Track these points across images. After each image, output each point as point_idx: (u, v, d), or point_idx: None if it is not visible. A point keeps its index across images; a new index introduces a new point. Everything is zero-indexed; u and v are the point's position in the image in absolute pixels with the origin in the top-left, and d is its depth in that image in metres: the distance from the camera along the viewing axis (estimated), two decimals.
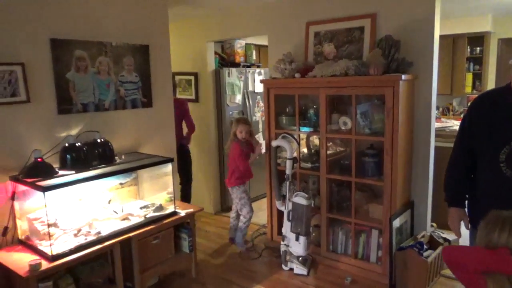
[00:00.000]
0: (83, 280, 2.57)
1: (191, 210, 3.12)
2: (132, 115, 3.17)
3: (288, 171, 3.23)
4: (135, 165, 2.84)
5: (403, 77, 2.77)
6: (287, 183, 3.25)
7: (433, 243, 3.05)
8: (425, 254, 2.86)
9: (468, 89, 4.84)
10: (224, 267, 3.39)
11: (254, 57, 5.03)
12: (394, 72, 2.88)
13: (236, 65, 4.67)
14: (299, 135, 3.40)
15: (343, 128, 3.17)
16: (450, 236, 3.20)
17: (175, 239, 3.08)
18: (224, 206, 4.72)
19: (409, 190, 3.15)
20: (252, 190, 4.96)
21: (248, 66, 4.82)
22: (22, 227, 2.54)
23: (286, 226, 3.27)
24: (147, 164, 2.88)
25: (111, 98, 3.00)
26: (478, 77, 4.88)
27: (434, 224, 3.30)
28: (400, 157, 2.89)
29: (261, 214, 4.55)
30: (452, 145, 2.05)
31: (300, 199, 3.15)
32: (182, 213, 3.04)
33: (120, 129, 3.09)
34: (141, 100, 3.21)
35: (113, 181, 2.99)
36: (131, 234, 2.68)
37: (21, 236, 2.54)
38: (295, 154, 3.30)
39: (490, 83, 4.98)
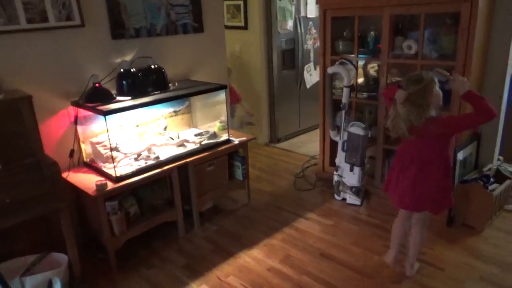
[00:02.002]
0: (145, 202, 2.70)
1: (244, 138, 3.10)
2: (183, 40, 3.08)
3: (344, 99, 3.08)
4: (189, 91, 2.81)
5: None
6: (343, 112, 3.11)
7: (499, 177, 2.87)
8: (490, 187, 2.71)
9: None
10: (276, 196, 3.44)
11: None
12: None
13: None
14: (357, 62, 3.18)
15: (406, 52, 2.91)
16: None
17: (229, 167, 3.12)
18: (274, 137, 4.70)
19: None
20: (302, 122, 4.89)
21: None
22: (86, 150, 2.65)
23: (340, 157, 3.20)
24: (202, 91, 2.84)
25: (162, 22, 2.90)
26: None
27: (501, 157, 3.08)
28: (472, 83, 2.64)
29: (311, 146, 4.51)
30: None
31: (357, 129, 3.03)
32: (236, 141, 3.04)
33: (172, 55, 3.03)
34: (192, 25, 3.09)
35: (167, 109, 3.00)
36: (187, 160, 2.73)
37: (86, 159, 2.67)
38: (352, 82, 3.12)
39: None
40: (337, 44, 3.32)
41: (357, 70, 3.09)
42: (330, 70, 3.12)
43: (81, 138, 2.63)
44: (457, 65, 2.62)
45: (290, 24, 4.36)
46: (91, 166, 2.62)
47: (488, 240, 2.64)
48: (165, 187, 2.80)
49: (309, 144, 4.58)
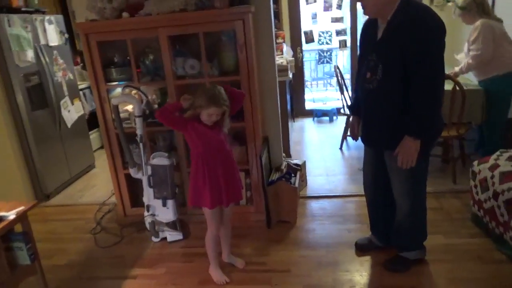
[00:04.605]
0: None
1: (22, 208, 2.27)
2: None
3: (140, 131, 2.73)
4: None
5: (252, 9, 2.64)
6: (141, 145, 2.76)
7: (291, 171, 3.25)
8: (292, 181, 3.03)
9: None
10: (80, 265, 2.71)
11: (36, 1, 3.87)
12: (239, 5, 2.71)
13: (15, 11, 3.50)
14: (139, 88, 2.88)
15: (190, 72, 2.85)
16: (299, 161, 3.51)
17: (6, 252, 2.22)
18: (40, 195, 3.72)
19: (264, 126, 3.18)
20: (72, 167, 4.14)
21: (31, 12, 3.70)
22: None
23: (149, 194, 2.83)
24: None
25: None
26: (276, 16, 5.27)
27: (284, 154, 3.51)
28: (257, 94, 2.85)
29: (94, 191, 3.86)
30: None
31: (161, 160, 2.75)
32: (10, 215, 2.18)
33: None
34: None
35: None
36: None
37: None
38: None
39: (285, 21, 5.50)
40: (110, 71, 2.92)
41: (147, 96, 2.80)
42: (115, 101, 2.70)
43: None
44: (242, 78, 2.76)
45: (30, 54, 3.53)
46: None
47: (303, 228, 2.94)
48: None
49: (91, 190, 3.90)
